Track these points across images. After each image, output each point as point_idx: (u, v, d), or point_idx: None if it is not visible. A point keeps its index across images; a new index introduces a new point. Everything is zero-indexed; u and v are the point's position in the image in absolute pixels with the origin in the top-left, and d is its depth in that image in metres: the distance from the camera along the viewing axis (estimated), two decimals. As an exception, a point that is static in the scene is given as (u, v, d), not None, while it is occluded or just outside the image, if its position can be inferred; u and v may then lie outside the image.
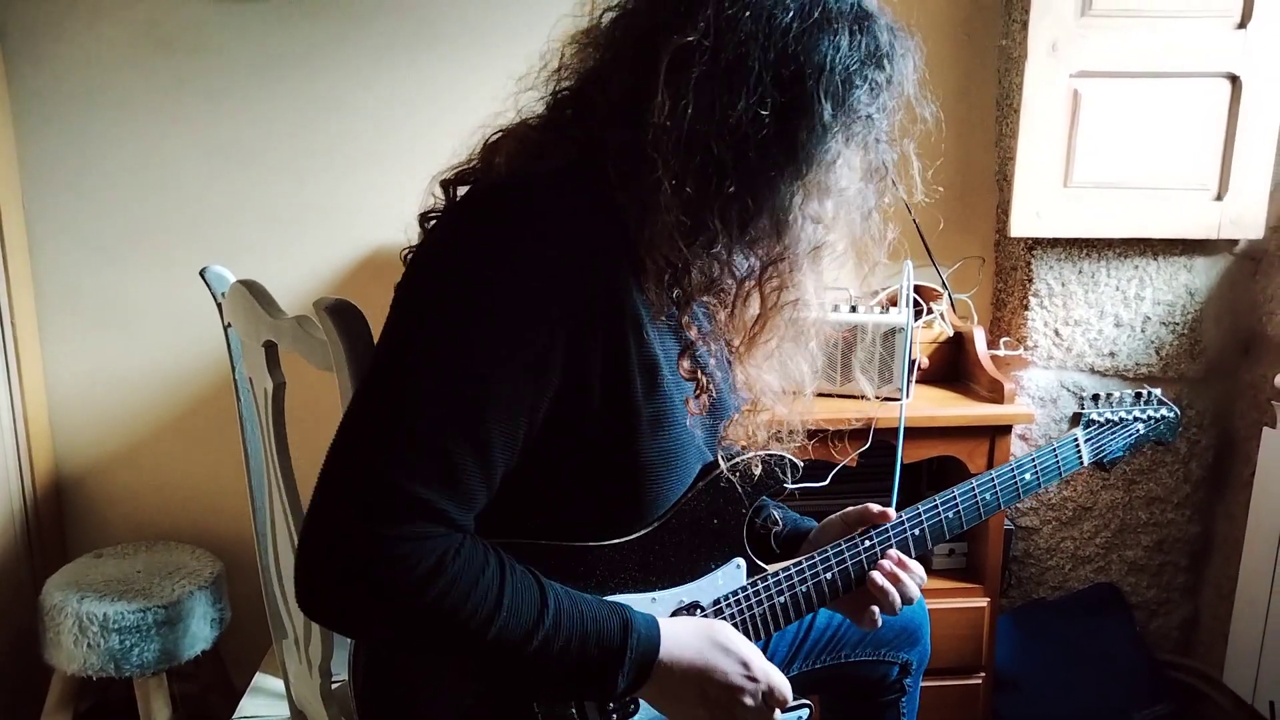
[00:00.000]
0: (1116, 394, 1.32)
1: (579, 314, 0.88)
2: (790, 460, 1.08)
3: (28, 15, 1.94)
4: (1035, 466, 1.21)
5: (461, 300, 0.87)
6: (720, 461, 1.06)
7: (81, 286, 2.05)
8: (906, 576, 1.12)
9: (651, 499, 1.00)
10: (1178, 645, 2.23)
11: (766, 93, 0.87)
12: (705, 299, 0.97)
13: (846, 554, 1.11)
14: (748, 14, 0.88)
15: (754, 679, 0.97)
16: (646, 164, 0.89)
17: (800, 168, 0.91)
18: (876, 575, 1.11)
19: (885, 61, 0.92)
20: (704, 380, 0.99)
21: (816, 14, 0.89)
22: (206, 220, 2.05)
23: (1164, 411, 1.33)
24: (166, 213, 2.04)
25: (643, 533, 1.02)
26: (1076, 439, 1.27)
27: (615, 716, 1.02)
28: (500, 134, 1.00)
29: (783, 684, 0.99)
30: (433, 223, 1.01)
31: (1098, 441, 1.29)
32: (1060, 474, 1.24)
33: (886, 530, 1.13)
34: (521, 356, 0.87)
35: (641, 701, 1.01)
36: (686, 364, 0.98)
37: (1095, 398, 1.30)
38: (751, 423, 1.05)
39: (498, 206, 0.91)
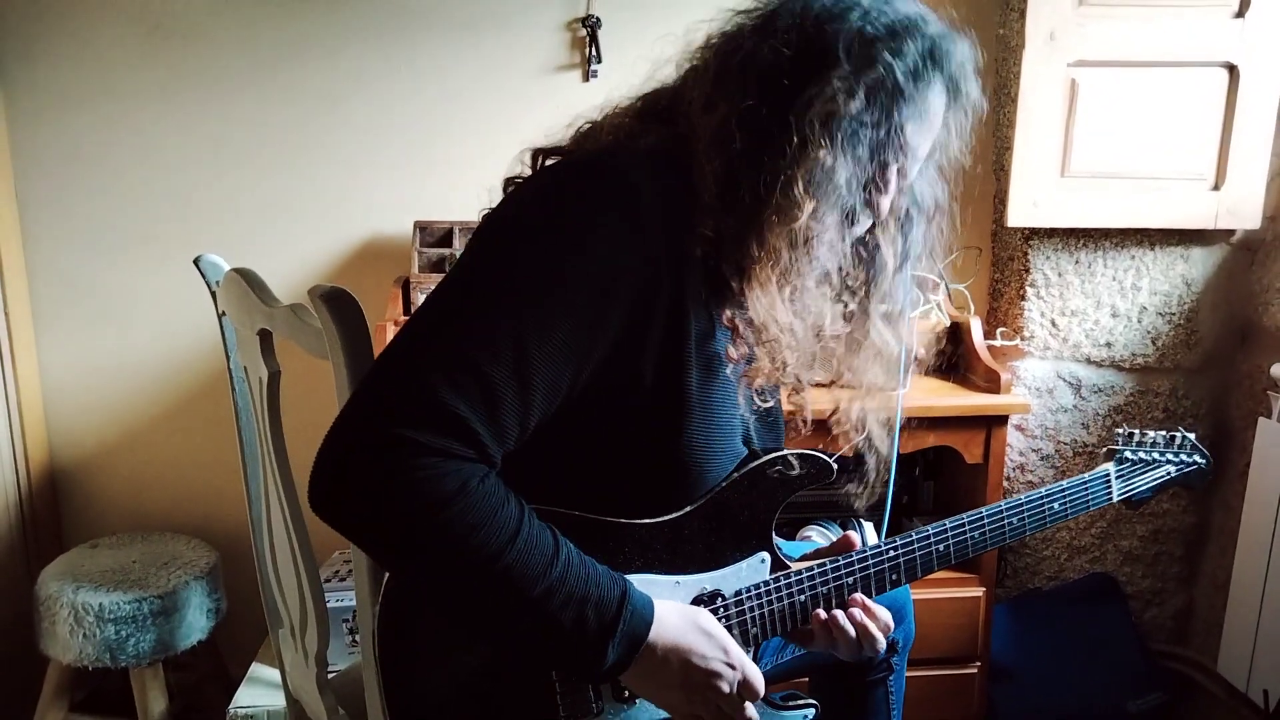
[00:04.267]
0: (1150, 434, 1.29)
1: (649, 283, 0.91)
2: (825, 459, 1.08)
3: (19, 5, 1.93)
4: (1065, 496, 1.21)
5: (540, 245, 0.90)
6: (759, 454, 1.07)
7: (76, 277, 2.05)
8: (866, 620, 1.08)
9: (691, 482, 1.02)
10: (1172, 635, 2.24)
11: (757, 122, 0.92)
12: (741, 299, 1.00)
13: (870, 561, 1.11)
14: (741, 46, 0.95)
15: (732, 666, 0.98)
16: (696, 153, 0.95)
17: (792, 206, 0.93)
18: (840, 615, 1.09)
19: (893, 101, 0.93)
20: (748, 371, 1.02)
21: (816, 52, 0.92)
22: (201, 209, 2.04)
23: (1196, 458, 1.31)
24: (160, 202, 2.03)
25: (675, 515, 1.02)
26: (1108, 474, 1.25)
27: (627, 691, 1.03)
28: (590, 124, 1.06)
29: (757, 677, 1.00)
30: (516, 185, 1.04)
31: (1128, 479, 1.27)
32: (1089, 507, 1.23)
33: (912, 542, 1.13)
34: (585, 309, 0.89)
35: None
36: (732, 352, 1.01)
37: (1130, 435, 1.29)
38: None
39: (593, 171, 0.95)
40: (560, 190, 0.94)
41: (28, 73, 1.96)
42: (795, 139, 0.92)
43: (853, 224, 1.00)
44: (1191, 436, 1.31)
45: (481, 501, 0.86)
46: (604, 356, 0.92)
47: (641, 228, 0.91)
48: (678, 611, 0.98)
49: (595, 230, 0.89)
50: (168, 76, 1.98)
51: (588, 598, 0.90)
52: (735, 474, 1.05)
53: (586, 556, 0.94)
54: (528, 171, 1.06)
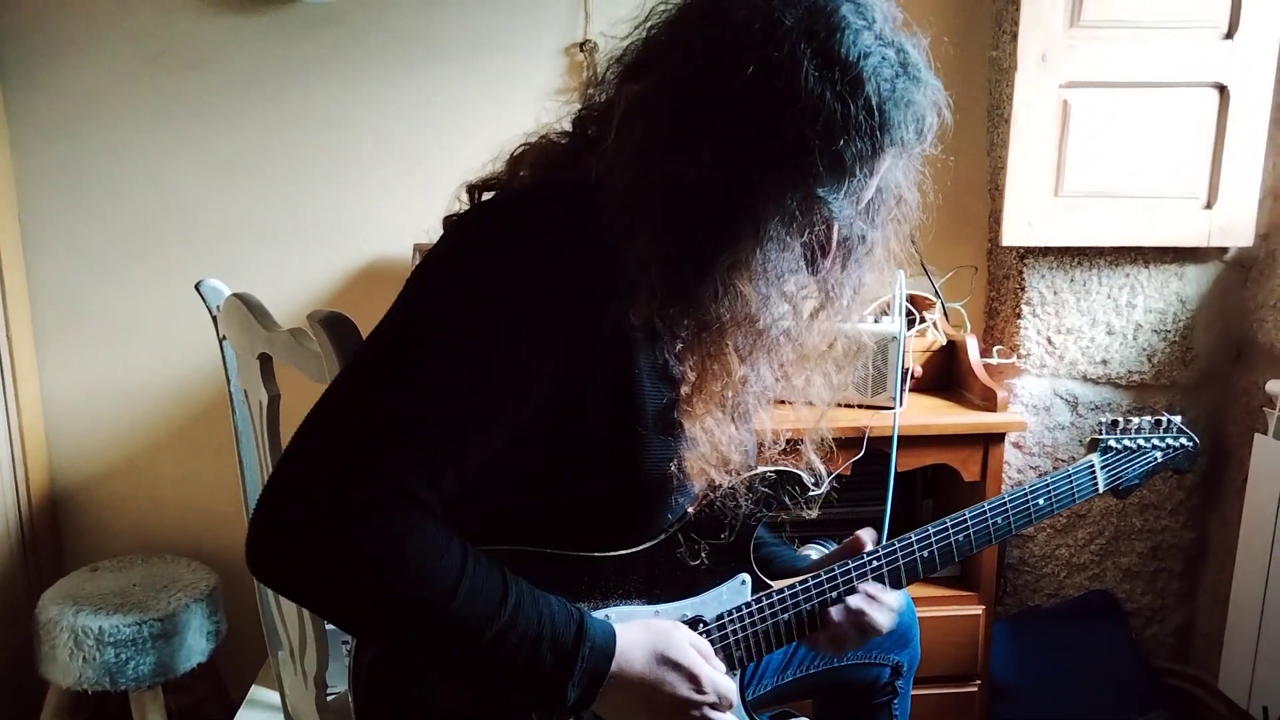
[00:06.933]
0: (1135, 421, 1.27)
1: (580, 324, 0.89)
2: (799, 474, 1.07)
3: (24, 30, 1.95)
4: (1049, 491, 1.19)
5: (465, 295, 0.88)
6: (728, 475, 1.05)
7: (78, 300, 2.06)
8: (873, 609, 1.08)
9: (658, 509, 1.01)
10: (1173, 652, 2.23)
11: (704, 158, 0.85)
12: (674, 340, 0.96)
13: (854, 573, 1.10)
14: (707, 69, 0.85)
15: (702, 692, 0.97)
16: (608, 193, 0.90)
17: (727, 240, 0.87)
18: (834, 610, 1.08)
19: (866, 135, 0.86)
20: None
21: (778, 84, 0.83)
22: (202, 234, 2.05)
23: (1183, 440, 1.30)
24: (162, 226, 2.04)
25: (649, 544, 1.02)
26: (1093, 465, 1.24)
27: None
28: (525, 146, 1.03)
29: (729, 690, 0.99)
30: None
31: (1114, 468, 1.25)
32: (1075, 499, 1.22)
33: (895, 551, 1.12)
34: (514, 356, 0.87)
35: None
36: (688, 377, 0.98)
37: (1114, 424, 1.26)
38: (701, 460, 1.00)
39: (514, 212, 0.93)
40: (487, 240, 0.90)
41: (33, 97, 1.98)
42: (755, 230, 0.87)
43: (801, 292, 0.96)
44: (1177, 420, 1.29)
45: (418, 553, 0.84)
46: (549, 394, 0.90)
47: (568, 269, 0.88)
48: (644, 643, 0.95)
49: (521, 279, 0.87)
50: (171, 101, 2.00)
51: (541, 638, 0.88)
52: (706, 496, 1.04)
53: (541, 593, 0.91)
54: (465, 207, 1.03)
